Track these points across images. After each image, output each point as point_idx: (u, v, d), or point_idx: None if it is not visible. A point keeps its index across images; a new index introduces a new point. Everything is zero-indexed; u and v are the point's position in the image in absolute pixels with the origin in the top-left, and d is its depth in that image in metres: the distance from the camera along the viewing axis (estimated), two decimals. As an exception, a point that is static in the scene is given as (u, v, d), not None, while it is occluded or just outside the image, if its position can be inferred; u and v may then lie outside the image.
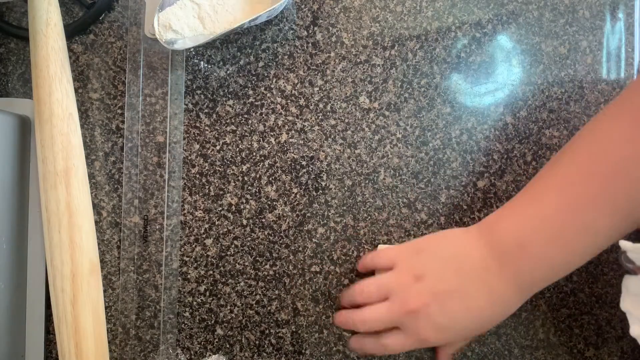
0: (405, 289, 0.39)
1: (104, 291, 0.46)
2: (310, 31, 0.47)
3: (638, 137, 0.32)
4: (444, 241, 0.40)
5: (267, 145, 0.47)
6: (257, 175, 0.47)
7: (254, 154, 0.47)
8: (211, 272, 0.47)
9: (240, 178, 0.47)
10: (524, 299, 0.37)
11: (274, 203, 0.46)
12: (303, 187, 0.46)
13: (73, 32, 0.47)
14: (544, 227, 0.35)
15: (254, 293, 0.46)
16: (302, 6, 0.47)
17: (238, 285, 0.47)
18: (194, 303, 0.47)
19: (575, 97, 0.45)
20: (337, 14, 0.47)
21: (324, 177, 0.46)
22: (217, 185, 0.47)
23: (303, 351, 0.46)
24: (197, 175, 0.47)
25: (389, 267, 0.41)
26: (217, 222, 0.47)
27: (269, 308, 0.46)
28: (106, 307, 0.46)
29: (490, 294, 0.37)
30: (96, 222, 0.46)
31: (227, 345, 0.47)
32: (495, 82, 0.46)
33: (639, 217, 0.32)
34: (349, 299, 0.43)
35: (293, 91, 0.47)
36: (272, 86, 0.47)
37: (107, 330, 0.45)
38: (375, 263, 0.43)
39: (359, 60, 0.46)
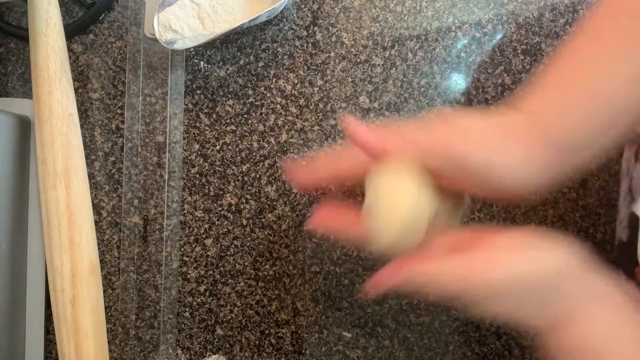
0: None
1: (104, 291, 0.46)
2: (310, 31, 0.47)
3: None
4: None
5: (267, 145, 0.47)
6: (257, 175, 0.47)
7: (254, 154, 0.47)
8: (211, 272, 0.47)
9: (240, 178, 0.47)
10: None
11: (274, 203, 0.46)
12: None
13: (73, 32, 0.47)
14: (579, 88, 0.30)
15: (254, 293, 0.46)
16: (302, 6, 0.47)
17: (238, 285, 0.47)
18: (194, 303, 0.47)
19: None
20: (337, 14, 0.47)
21: (324, 177, 0.46)
22: (217, 185, 0.47)
23: (303, 351, 0.46)
24: (197, 175, 0.47)
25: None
26: (217, 222, 0.47)
27: (269, 308, 0.46)
28: (106, 307, 0.46)
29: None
30: (96, 222, 0.46)
31: (227, 345, 0.47)
32: (495, 82, 0.46)
33: None
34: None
35: (293, 91, 0.47)
36: (272, 86, 0.47)
37: (107, 330, 0.45)
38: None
39: (359, 60, 0.46)
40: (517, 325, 0.31)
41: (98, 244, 0.45)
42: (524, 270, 0.28)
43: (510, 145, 0.29)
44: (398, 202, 0.29)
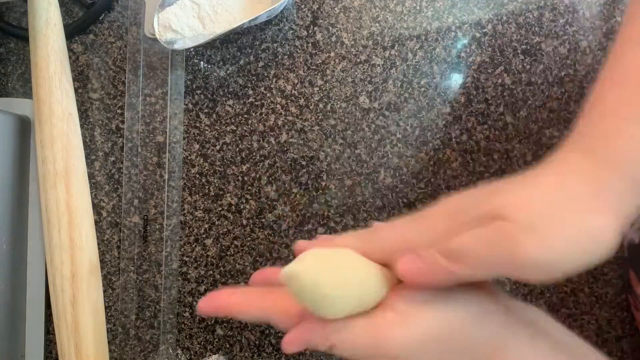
0: None
1: (104, 291, 0.46)
2: (310, 31, 0.47)
3: None
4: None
5: (267, 145, 0.47)
6: (257, 175, 0.47)
7: (254, 154, 0.47)
8: (211, 272, 0.47)
9: (240, 178, 0.47)
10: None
11: (274, 203, 0.46)
12: (303, 187, 0.46)
13: (73, 32, 0.47)
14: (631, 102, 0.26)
15: (254, 293, 0.46)
16: (302, 6, 0.47)
17: (238, 285, 0.46)
18: (194, 303, 0.47)
19: (575, 97, 0.45)
20: (337, 14, 0.47)
21: (324, 177, 0.46)
22: (217, 185, 0.47)
23: (303, 351, 0.46)
24: (197, 175, 0.47)
25: None
26: (217, 222, 0.47)
27: (269, 308, 0.46)
28: (106, 307, 0.46)
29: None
30: (96, 222, 0.46)
31: (227, 345, 0.47)
32: (495, 82, 0.46)
33: None
34: None
35: (293, 91, 0.47)
36: (272, 86, 0.47)
37: (107, 330, 0.45)
38: None
39: (359, 60, 0.46)
40: None
41: (98, 244, 0.45)
42: (433, 326, 0.26)
43: (585, 221, 0.24)
44: (353, 272, 0.26)
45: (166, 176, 0.47)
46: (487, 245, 0.24)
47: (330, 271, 0.26)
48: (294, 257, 0.27)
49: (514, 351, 0.27)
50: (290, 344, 0.27)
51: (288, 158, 0.46)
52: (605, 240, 0.23)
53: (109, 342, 0.45)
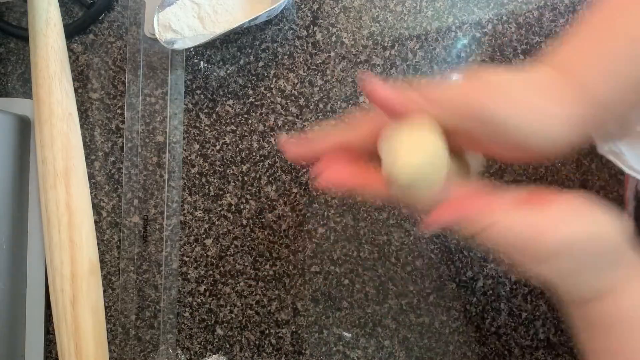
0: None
1: (104, 291, 0.46)
2: (310, 31, 0.47)
3: None
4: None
5: (267, 145, 0.47)
6: (257, 175, 0.47)
7: (254, 154, 0.47)
8: (211, 272, 0.47)
9: (240, 178, 0.47)
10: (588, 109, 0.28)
11: (274, 203, 0.46)
12: (303, 187, 0.46)
13: (73, 32, 0.47)
14: (610, 36, 0.28)
15: (254, 293, 0.46)
16: (302, 6, 0.47)
17: (238, 285, 0.47)
18: (194, 303, 0.47)
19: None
20: (337, 14, 0.47)
21: (324, 177, 0.46)
22: (217, 185, 0.47)
23: (303, 351, 0.46)
24: (197, 175, 0.47)
25: None
26: (217, 222, 0.47)
27: (269, 308, 0.46)
28: (106, 307, 0.46)
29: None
30: (96, 222, 0.46)
31: (227, 345, 0.47)
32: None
33: None
34: None
35: (293, 91, 0.47)
36: (272, 86, 0.47)
37: (107, 330, 0.45)
38: None
39: (359, 60, 0.46)
40: (561, 291, 0.30)
41: (98, 244, 0.45)
42: (591, 231, 0.28)
43: (545, 103, 0.27)
44: (418, 147, 0.28)
45: (166, 176, 0.47)
46: (461, 94, 0.28)
47: (399, 145, 0.28)
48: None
49: (631, 290, 0.29)
50: (439, 218, 0.28)
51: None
52: (564, 129, 0.27)
53: (109, 342, 0.45)
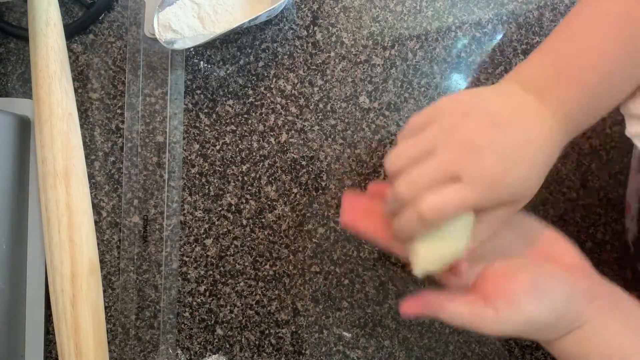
0: (456, 128, 0.31)
1: (104, 291, 0.46)
2: (310, 31, 0.47)
3: None
4: (481, 91, 0.33)
5: (267, 145, 0.47)
6: (257, 175, 0.47)
7: (254, 154, 0.47)
8: (211, 272, 0.47)
9: (240, 178, 0.47)
10: (568, 136, 0.32)
11: (274, 203, 0.46)
12: (303, 187, 0.46)
13: (73, 32, 0.47)
14: (578, 54, 0.31)
15: (254, 293, 0.46)
16: (302, 6, 0.47)
17: (238, 285, 0.47)
18: (194, 303, 0.47)
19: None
20: (337, 14, 0.47)
21: (324, 177, 0.46)
22: (217, 185, 0.47)
23: (303, 351, 0.46)
24: (197, 175, 0.47)
25: (427, 124, 0.32)
26: (217, 222, 0.47)
27: (269, 308, 0.46)
28: (106, 307, 0.46)
29: (539, 127, 0.31)
30: (96, 222, 0.46)
31: (227, 345, 0.47)
32: (495, 82, 0.46)
33: None
34: (391, 166, 0.32)
35: (293, 91, 0.47)
36: (272, 86, 0.47)
37: (107, 330, 0.45)
38: (412, 125, 0.33)
39: (359, 60, 0.46)
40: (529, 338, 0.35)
41: (98, 244, 0.45)
42: (532, 318, 0.31)
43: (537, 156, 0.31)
44: (436, 251, 0.32)
45: (166, 176, 0.47)
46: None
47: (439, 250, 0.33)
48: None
49: (596, 322, 0.33)
50: (409, 309, 0.33)
51: (288, 158, 0.46)
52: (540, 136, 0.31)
53: (109, 342, 0.45)
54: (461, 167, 0.30)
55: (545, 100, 0.32)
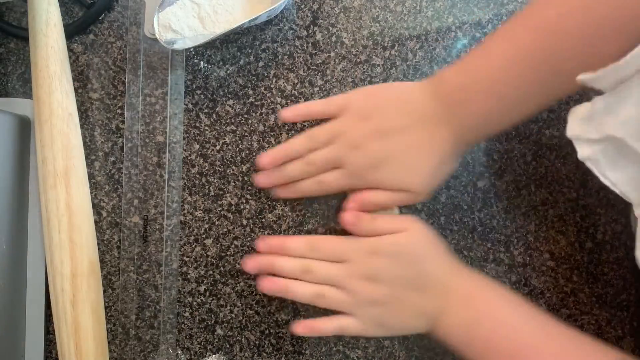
0: (351, 128, 0.40)
1: (104, 291, 0.46)
2: (310, 31, 0.47)
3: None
4: (394, 87, 0.42)
5: (267, 145, 0.47)
6: (257, 175, 0.46)
7: (254, 154, 0.47)
8: (211, 272, 0.47)
9: (240, 178, 0.47)
10: (460, 150, 0.40)
11: (274, 203, 0.46)
12: (303, 187, 0.46)
13: (73, 32, 0.47)
14: (487, 76, 0.37)
15: (254, 293, 0.46)
16: (302, 6, 0.47)
17: (238, 285, 0.47)
18: (194, 303, 0.47)
19: (575, 97, 0.45)
20: (337, 14, 0.47)
21: (324, 177, 0.46)
22: (217, 185, 0.47)
23: (303, 351, 0.46)
24: (197, 175, 0.47)
25: (337, 114, 0.42)
26: (217, 222, 0.47)
27: (269, 308, 0.46)
28: (106, 307, 0.46)
29: (431, 136, 0.39)
30: (96, 222, 0.46)
31: (227, 345, 0.47)
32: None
33: (565, 79, 0.34)
34: (299, 142, 0.42)
35: (293, 91, 0.47)
36: (272, 86, 0.47)
37: (107, 330, 0.45)
38: (324, 110, 0.42)
39: (359, 60, 0.46)
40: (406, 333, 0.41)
41: (98, 244, 0.45)
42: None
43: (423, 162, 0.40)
44: None
45: (166, 176, 0.47)
46: None
47: None
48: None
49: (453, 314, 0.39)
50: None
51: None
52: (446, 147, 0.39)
53: (109, 342, 0.45)
54: (344, 161, 0.40)
55: (450, 111, 0.38)
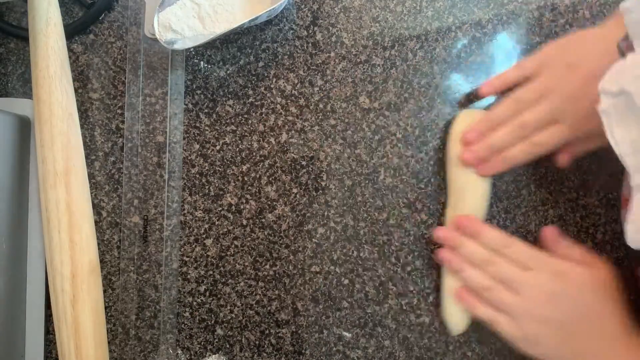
0: (561, 81, 0.39)
1: (104, 291, 0.46)
2: (310, 31, 0.47)
3: None
4: (586, 34, 0.41)
5: (267, 145, 0.47)
6: (257, 175, 0.47)
7: (254, 154, 0.47)
8: (211, 272, 0.47)
9: (240, 178, 0.47)
10: None
11: (274, 203, 0.46)
12: (303, 187, 0.46)
13: (73, 32, 0.47)
14: None
15: (254, 293, 0.46)
16: (302, 6, 0.47)
17: (238, 285, 0.47)
18: (194, 303, 0.47)
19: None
20: (337, 14, 0.47)
21: (324, 177, 0.46)
22: (217, 185, 0.47)
23: (303, 351, 0.46)
24: (197, 175, 0.47)
25: (535, 74, 0.41)
26: (217, 222, 0.47)
27: (269, 308, 0.46)
28: (106, 307, 0.46)
29: None
30: (96, 222, 0.46)
31: (227, 345, 0.47)
32: (495, 82, 0.46)
33: None
34: (503, 107, 0.41)
35: (293, 91, 0.47)
36: (272, 86, 0.47)
37: (107, 330, 0.45)
38: (519, 74, 0.42)
39: (359, 60, 0.46)
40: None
41: (98, 244, 0.45)
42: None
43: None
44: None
45: (166, 176, 0.47)
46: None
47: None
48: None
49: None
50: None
51: (288, 158, 0.46)
52: None
53: (109, 342, 0.45)
54: (560, 114, 0.39)
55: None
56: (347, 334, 0.46)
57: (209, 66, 0.47)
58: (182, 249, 0.47)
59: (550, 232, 0.42)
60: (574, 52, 0.40)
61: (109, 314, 0.46)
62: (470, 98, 0.46)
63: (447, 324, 0.44)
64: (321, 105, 0.46)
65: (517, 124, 0.41)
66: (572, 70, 0.39)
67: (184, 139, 0.47)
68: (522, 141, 0.41)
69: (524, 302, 0.39)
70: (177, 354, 0.47)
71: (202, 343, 0.47)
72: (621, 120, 0.33)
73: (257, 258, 0.46)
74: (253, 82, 0.47)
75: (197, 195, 0.47)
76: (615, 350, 0.38)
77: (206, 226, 0.47)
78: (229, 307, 0.47)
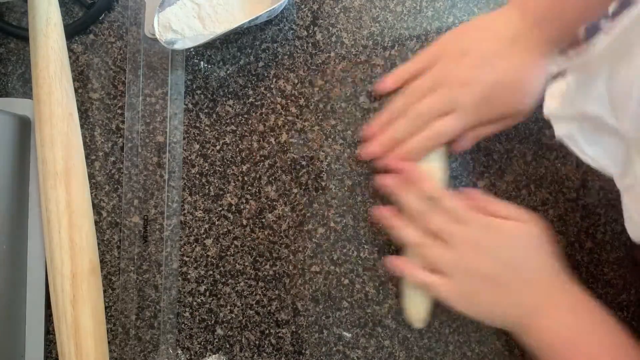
0: (453, 69, 0.40)
1: (104, 291, 0.46)
2: (310, 31, 0.47)
3: None
4: (480, 20, 0.41)
5: (267, 145, 0.47)
6: (257, 175, 0.47)
7: (254, 154, 0.47)
8: (211, 272, 0.47)
9: (240, 178, 0.47)
10: (551, 59, 0.39)
11: (274, 203, 0.46)
12: (303, 187, 0.46)
13: (73, 32, 0.47)
14: None
15: (254, 293, 0.46)
16: (302, 6, 0.47)
17: (238, 285, 0.47)
18: (194, 303, 0.47)
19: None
20: (337, 14, 0.47)
21: (324, 177, 0.46)
22: (217, 185, 0.47)
23: (303, 351, 0.46)
24: (197, 175, 0.47)
25: (433, 63, 0.42)
26: (217, 222, 0.47)
27: (269, 308, 0.46)
28: (106, 307, 0.46)
29: (529, 53, 0.38)
30: (96, 222, 0.46)
31: (227, 345, 0.47)
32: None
33: None
34: (400, 99, 0.42)
35: (293, 91, 0.47)
36: (272, 86, 0.47)
37: (107, 330, 0.45)
38: (419, 64, 0.42)
39: (359, 60, 0.46)
40: (493, 324, 0.40)
41: (98, 244, 0.45)
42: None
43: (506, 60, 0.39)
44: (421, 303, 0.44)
45: (166, 176, 0.47)
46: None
47: None
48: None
49: (550, 320, 0.37)
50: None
51: (288, 158, 0.46)
52: (525, 74, 0.39)
53: (109, 342, 0.45)
54: (454, 101, 0.40)
55: (539, 27, 0.38)
56: (347, 334, 0.46)
57: (209, 66, 0.47)
58: (182, 249, 0.47)
59: (477, 193, 0.42)
60: (467, 39, 0.41)
61: (109, 314, 0.46)
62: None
63: (409, 316, 0.44)
64: (321, 105, 0.46)
65: (413, 113, 0.41)
66: (463, 56, 0.40)
67: (184, 139, 0.47)
68: (420, 131, 0.41)
69: (457, 256, 0.39)
70: (177, 354, 0.47)
71: (202, 343, 0.47)
72: (592, 141, 0.33)
73: (257, 258, 0.46)
74: (253, 82, 0.47)
75: (197, 195, 0.47)
76: (551, 299, 0.38)
77: (206, 226, 0.47)
78: (229, 307, 0.47)
